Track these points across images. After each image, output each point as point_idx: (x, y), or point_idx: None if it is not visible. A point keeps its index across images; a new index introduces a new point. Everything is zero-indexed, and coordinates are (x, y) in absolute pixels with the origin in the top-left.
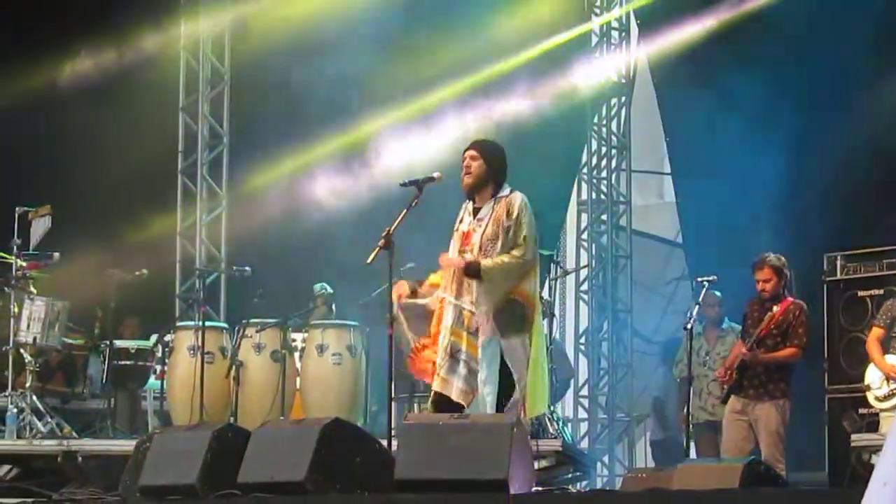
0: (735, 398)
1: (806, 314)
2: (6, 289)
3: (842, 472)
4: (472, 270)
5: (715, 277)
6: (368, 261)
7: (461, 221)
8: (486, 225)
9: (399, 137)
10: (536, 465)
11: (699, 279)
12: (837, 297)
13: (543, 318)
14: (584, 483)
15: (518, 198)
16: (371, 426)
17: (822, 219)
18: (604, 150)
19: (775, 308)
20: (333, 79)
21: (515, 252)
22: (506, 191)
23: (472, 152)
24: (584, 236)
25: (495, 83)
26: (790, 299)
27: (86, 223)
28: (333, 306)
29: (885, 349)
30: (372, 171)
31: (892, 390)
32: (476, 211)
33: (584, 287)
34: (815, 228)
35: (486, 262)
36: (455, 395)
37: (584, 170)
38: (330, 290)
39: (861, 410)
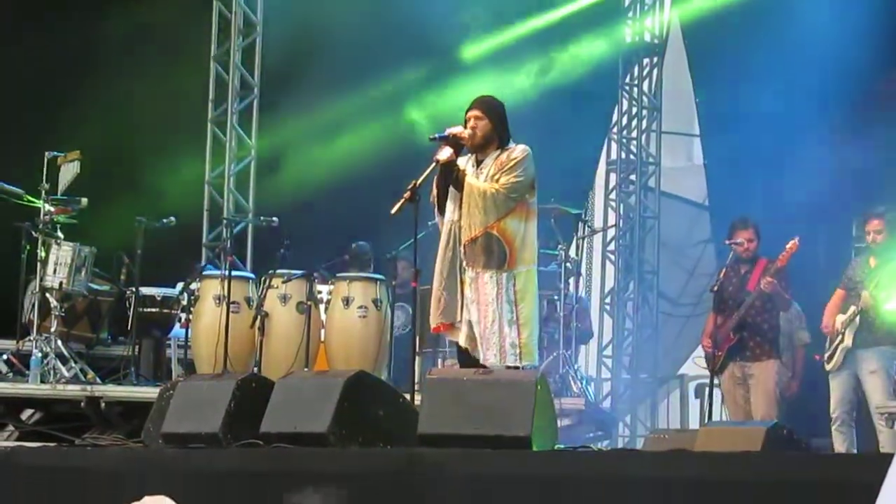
0: (732, 364)
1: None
2: (33, 233)
3: (867, 440)
4: (454, 171)
5: (743, 241)
6: (393, 212)
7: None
8: (489, 169)
9: (430, 90)
10: (559, 424)
11: (727, 242)
12: None
13: (569, 277)
14: (605, 442)
15: (521, 147)
16: (395, 380)
17: (851, 183)
18: (634, 110)
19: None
20: (366, 28)
21: (502, 180)
22: (511, 144)
23: (475, 112)
24: (613, 196)
25: (528, 41)
26: (764, 258)
27: (114, 169)
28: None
29: (844, 310)
30: (403, 122)
31: (834, 349)
32: (479, 162)
33: (611, 247)
34: (844, 193)
35: (470, 179)
36: (463, 341)
37: (615, 130)
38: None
39: None
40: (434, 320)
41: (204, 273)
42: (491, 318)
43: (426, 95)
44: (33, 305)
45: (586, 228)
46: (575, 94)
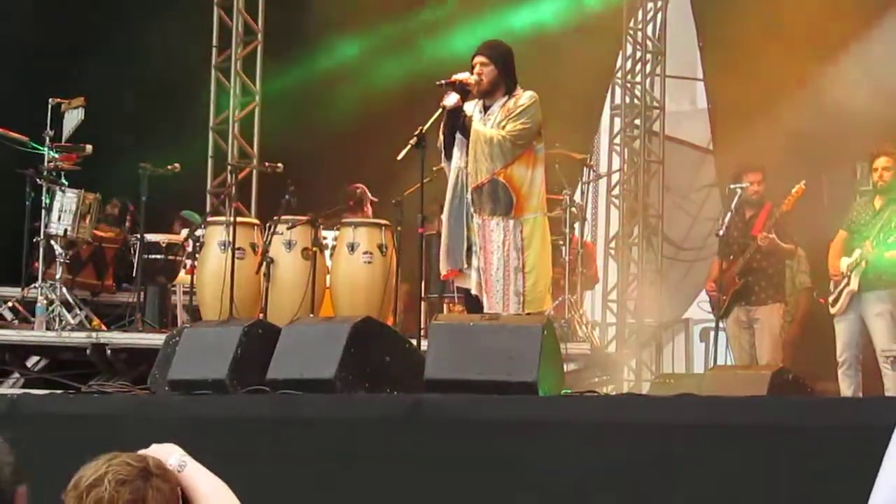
0: (738, 308)
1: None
2: (38, 180)
3: (872, 383)
4: (461, 117)
5: (747, 185)
6: (399, 157)
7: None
8: (496, 115)
9: (439, 34)
10: (565, 369)
11: (732, 185)
12: None
13: (575, 222)
14: (611, 387)
15: (528, 93)
16: (401, 326)
17: (852, 127)
18: (639, 54)
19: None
20: None
21: (508, 127)
22: (518, 90)
23: (481, 58)
24: (617, 141)
25: None
26: (769, 202)
27: (118, 116)
28: (368, 208)
29: (847, 253)
30: (410, 66)
31: (839, 293)
32: (486, 108)
33: (616, 192)
34: (846, 137)
35: (476, 125)
36: (473, 288)
37: (619, 74)
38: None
39: None
40: (443, 267)
41: (209, 219)
42: (496, 265)
43: (434, 39)
44: (38, 253)
45: (591, 173)
46: (579, 38)
